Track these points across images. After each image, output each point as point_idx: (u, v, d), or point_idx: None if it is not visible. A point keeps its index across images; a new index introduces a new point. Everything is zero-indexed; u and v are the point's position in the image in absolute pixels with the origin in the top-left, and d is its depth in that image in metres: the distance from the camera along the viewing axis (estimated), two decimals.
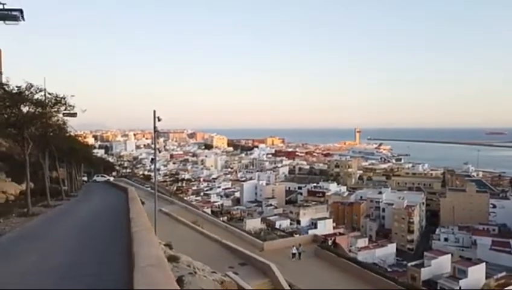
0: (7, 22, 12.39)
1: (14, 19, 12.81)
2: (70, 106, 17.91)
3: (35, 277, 6.87)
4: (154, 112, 23.75)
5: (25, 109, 16.63)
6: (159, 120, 24.24)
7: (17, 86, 15.56)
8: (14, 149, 31.69)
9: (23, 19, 13.17)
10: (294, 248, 29.55)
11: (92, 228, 13.74)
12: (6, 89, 15.24)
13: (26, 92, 15.86)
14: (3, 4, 12.43)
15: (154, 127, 23.00)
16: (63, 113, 18.96)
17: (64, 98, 17.57)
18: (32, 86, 15.85)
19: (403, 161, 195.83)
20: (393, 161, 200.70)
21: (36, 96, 16.30)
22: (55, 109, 17.93)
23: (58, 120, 21.14)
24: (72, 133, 38.01)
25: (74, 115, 19.30)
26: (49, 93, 17.14)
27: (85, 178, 65.03)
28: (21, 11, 13.21)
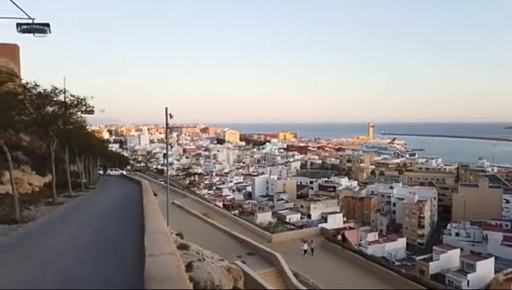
0: (36, 34, 13.58)
1: (42, 32, 14.01)
2: (89, 106, 19.57)
3: (69, 251, 8.78)
4: (166, 109, 24.96)
5: (50, 109, 18.30)
6: (171, 117, 25.47)
7: (43, 89, 17.13)
8: (35, 144, 33.47)
9: (50, 32, 14.37)
10: (306, 244, 29.48)
11: (111, 213, 16.05)
12: (34, 92, 16.73)
13: (52, 95, 17.49)
14: (33, 19, 13.58)
15: (167, 124, 24.23)
16: (81, 111, 20.58)
17: (84, 99, 19.25)
18: (56, 89, 17.43)
19: (416, 156, 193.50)
20: (407, 155, 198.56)
21: (60, 98, 17.96)
22: (76, 109, 19.69)
23: (78, 118, 23.06)
24: (89, 129, 39.97)
25: (92, 112, 20.83)
26: (72, 95, 18.84)
27: (101, 172, 67.23)
28: (48, 24, 14.36)
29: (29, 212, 14.39)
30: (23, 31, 11.96)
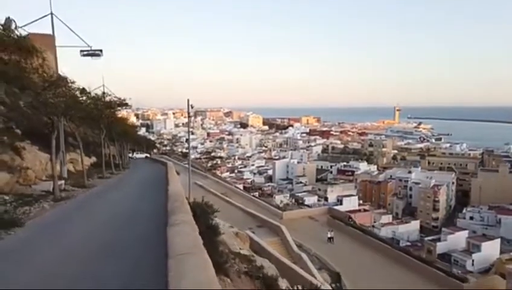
0: (93, 57, 17.89)
1: (97, 55, 18.00)
2: (129, 105, 24.26)
3: (127, 199, 15.38)
4: (188, 100, 28.60)
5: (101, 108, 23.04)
6: (192, 107, 29.13)
7: (95, 94, 21.69)
8: (75, 130, 38.89)
9: (102, 54, 18.60)
10: (330, 232, 31.25)
11: (145, 184, 22.83)
12: (89, 96, 21.23)
13: (102, 98, 22.01)
14: (90, 46, 17.98)
15: (188, 114, 27.90)
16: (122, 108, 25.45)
17: (125, 100, 23.94)
18: (104, 93, 21.99)
19: (442, 141, 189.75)
20: (433, 140, 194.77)
21: (107, 98, 22.66)
22: (120, 108, 24.41)
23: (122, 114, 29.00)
24: (121, 116, 45.27)
25: (126, 103, 25.20)
26: (117, 97, 23.49)
27: (130, 154, 72.88)
28: (101, 50, 18.86)
29: (89, 182, 20.26)
30: (84, 56, 16.22)
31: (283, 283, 11.93)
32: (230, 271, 7.60)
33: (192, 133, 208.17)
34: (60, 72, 18.62)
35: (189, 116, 29.13)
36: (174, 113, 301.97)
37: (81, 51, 17.62)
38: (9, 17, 17.86)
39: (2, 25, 15.49)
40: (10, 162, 13.24)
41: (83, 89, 19.41)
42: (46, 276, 6.22)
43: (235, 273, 8.21)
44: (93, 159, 28.18)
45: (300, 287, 12.72)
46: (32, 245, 8.28)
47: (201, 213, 8.88)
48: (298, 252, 24.06)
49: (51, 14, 20.00)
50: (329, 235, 31.24)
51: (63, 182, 17.45)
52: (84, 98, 19.99)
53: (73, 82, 17.12)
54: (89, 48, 18.14)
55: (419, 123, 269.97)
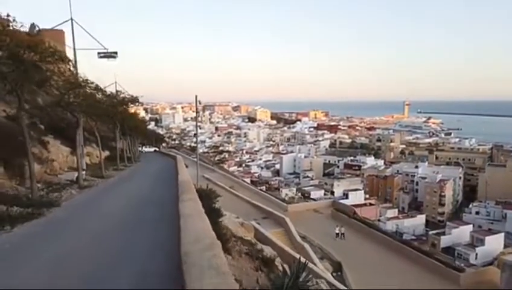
0: (109, 59, 19.71)
1: (113, 57, 19.54)
2: (140, 102, 25.86)
3: (140, 191, 16.81)
4: (196, 97, 29.75)
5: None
6: (200, 103, 30.35)
7: (110, 92, 23.22)
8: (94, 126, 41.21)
9: (117, 56, 20.35)
10: (338, 228, 32.28)
11: (157, 175, 24.98)
12: (105, 94, 22.82)
13: (117, 96, 23.58)
14: (107, 49, 19.52)
15: (196, 110, 29.13)
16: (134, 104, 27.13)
17: (137, 98, 25.57)
18: (118, 91, 23.51)
19: (452, 135, 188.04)
20: (442, 135, 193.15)
21: (122, 96, 24.26)
22: (132, 105, 25.99)
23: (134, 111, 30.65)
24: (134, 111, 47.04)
25: (137, 100, 26.73)
26: (130, 95, 25.13)
27: (140, 148, 74.68)
28: (116, 52, 20.41)
29: (106, 173, 22.53)
30: (101, 57, 17.65)
31: (280, 263, 13.00)
32: (232, 250, 8.69)
33: (200, 128, 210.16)
34: (81, 74, 20.07)
35: (196, 112, 30.39)
36: (182, 107, 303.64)
37: (99, 53, 19.27)
38: (33, 24, 19.38)
39: (28, 33, 16.93)
40: (39, 154, 14.98)
41: (100, 88, 20.90)
42: (91, 235, 8.77)
43: (237, 253, 9.31)
44: (107, 152, 29.78)
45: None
46: (71, 218, 11.08)
47: (205, 196, 10.32)
48: (301, 242, 25.14)
49: (71, 19, 21.38)
50: (337, 231, 32.04)
51: (84, 172, 19.18)
52: (101, 96, 21.55)
53: (92, 82, 18.44)
54: (105, 51, 19.79)
55: (429, 118, 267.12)
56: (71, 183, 16.40)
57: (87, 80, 17.18)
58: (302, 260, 7.85)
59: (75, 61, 21.14)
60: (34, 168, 12.61)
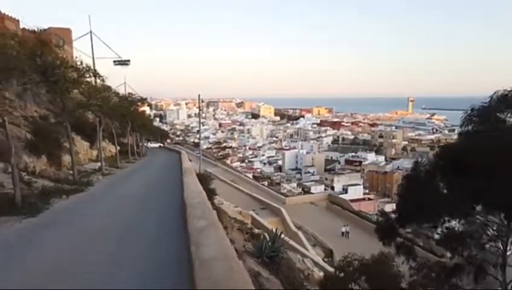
0: (122, 66, 22.26)
1: (126, 64, 21.93)
2: (148, 103, 28.56)
3: (151, 178, 21.18)
4: (199, 96, 31.96)
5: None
6: (202, 102, 32.61)
7: (123, 93, 26.00)
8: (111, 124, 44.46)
9: (130, 63, 22.88)
10: (344, 227, 33.01)
11: (164, 168, 28.06)
12: (119, 95, 25.46)
13: (128, 98, 26.21)
14: (120, 57, 22.00)
15: (199, 108, 31.34)
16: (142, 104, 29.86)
17: (146, 98, 28.13)
18: (130, 93, 26.24)
19: (456, 132, 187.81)
20: (446, 131, 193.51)
21: (133, 97, 27.10)
22: (140, 104, 28.71)
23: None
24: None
25: (145, 100, 29.45)
26: (140, 96, 27.83)
27: (146, 144, 77.22)
28: (129, 60, 22.98)
29: (120, 165, 26.45)
30: (116, 65, 20.33)
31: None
32: (226, 225, 10.88)
33: (204, 124, 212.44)
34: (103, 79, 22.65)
35: (200, 110, 32.54)
36: (187, 104, 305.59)
37: (114, 61, 22.29)
38: (58, 36, 21.79)
39: (56, 45, 19.40)
40: (69, 148, 18.41)
41: (117, 93, 23.75)
42: (124, 198, 13.61)
43: (230, 229, 11.47)
44: (118, 147, 32.60)
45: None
46: (105, 191, 15.97)
47: (203, 179, 13.27)
48: (295, 230, 27.35)
49: (90, 32, 23.76)
50: (343, 230, 32.86)
51: (103, 163, 22.93)
52: (116, 98, 24.28)
53: (109, 87, 20.98)
54: (119, 59, 22.70)
55: (433, 114, 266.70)
56: (95, 171, 20.64)
57: (109, 86, 20.32)
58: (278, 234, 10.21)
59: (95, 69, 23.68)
60: (74, 159, 17.28)
